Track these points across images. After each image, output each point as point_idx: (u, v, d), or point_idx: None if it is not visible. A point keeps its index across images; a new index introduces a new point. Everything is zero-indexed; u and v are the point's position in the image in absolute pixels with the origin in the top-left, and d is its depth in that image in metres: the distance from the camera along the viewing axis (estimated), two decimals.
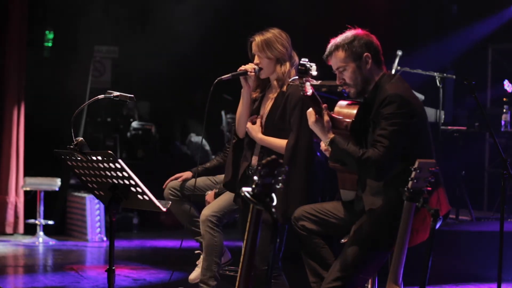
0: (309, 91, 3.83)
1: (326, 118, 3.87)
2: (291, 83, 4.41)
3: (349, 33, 3.97)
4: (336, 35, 4.00)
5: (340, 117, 3.99)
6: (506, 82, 7.61)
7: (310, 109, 3.90)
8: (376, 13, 9.18)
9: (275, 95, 4.45)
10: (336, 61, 3.96)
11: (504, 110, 7.44)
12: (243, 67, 4.51)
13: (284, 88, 4.43)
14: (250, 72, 4.49)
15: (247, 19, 9.57)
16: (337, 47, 3.95)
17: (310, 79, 3.82)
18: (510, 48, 9.41)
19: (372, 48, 3.95)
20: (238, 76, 4.51)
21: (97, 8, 9.21)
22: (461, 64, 9.56)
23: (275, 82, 4.48)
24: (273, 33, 4.51)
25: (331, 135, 3.86)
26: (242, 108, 4.59)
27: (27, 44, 8.95)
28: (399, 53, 7.38)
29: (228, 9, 9.90)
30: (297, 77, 3.89)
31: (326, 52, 3.99)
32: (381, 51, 3.99)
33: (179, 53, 10.25)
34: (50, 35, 9.55)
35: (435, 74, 7.23)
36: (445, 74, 7.33)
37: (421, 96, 7.16)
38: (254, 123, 4.49)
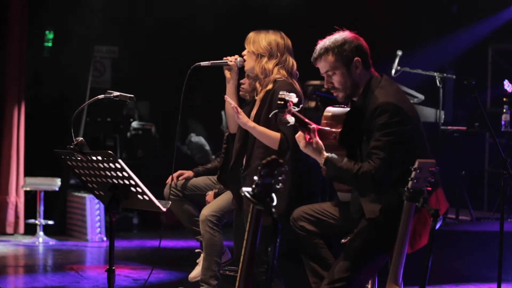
0: (292, 120, 3.80)
1: (316, 139, 3.81)
2: (277, 79, 4.41)
3: (338, 36, 3.92)
4: (325, 39, 3.96)
5: (327, 128, 3.98)
6: (506, 82, 7.60)
7: (299, 133, 3.86)
8: (376, 13, 9.18)
9: (261, 95, 4.46)
10: (325, 64, 3.91)
11: (504, 110, 7.43)
12: (225, 58, 4.57)
13: (270, 86, 4.42)
14: (230, 61, 4.54)
15: (249, 19, 9.57)
16: (326, 50, 3.88)
17: (291, 108, 3.79)
18: (510, 48, 9.40)
19: (362, 52, 3.90)
20: (218, 65, 4.55)
21: (97, 8, 9.21)
22: (461, 64, 9.55)
23: (257, 84, 4.49)
24: (266, 32, 4.54)
25: (325, 155, 3.80)
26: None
27: (27, 44, 8.95)
28: (399, 53, 7.38)
29: (229, 11, 9.90)
30: (276, 111, 3.87)
31: (315, 55, 3.93)
32: (369, 54, 3.95)
33: (179, 53, 10.25)
34: (50, 35, 9.54)
35: (435, 74, 7.23)
36: (445, 74, 7.33)
37: (421, 96, 7.16)
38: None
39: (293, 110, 3.79)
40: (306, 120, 3.86)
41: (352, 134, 3.90)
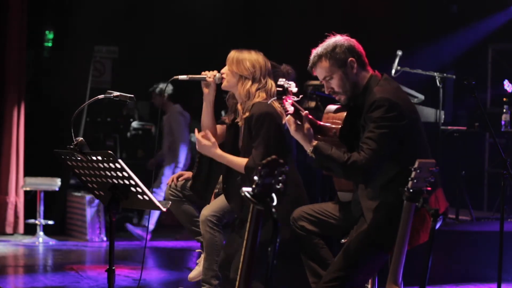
0: (291, 109, 3.81)
1: (306, 125, 3.82)
2: (255, 104, 4.42)
3: (329, 41, 3.94)
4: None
5: (328, 124, 3.98)
6: (506, 82, 7.60)
7: (289, 117, 3.86)
8: (376, 13, 9.18)
9: (241, 122, 4.51)
10: (321, 71, 3.93)
11: (504, 110, 7.43)
12: (204, 73, 4.56)
13: (247, 114, 4.45)
14: (209, 78, 4.54)
15: (249, 19, 9.58)
16: (319, 57, 3.92)
17: (290, 97, 3.81)
18: (510, 48, 9.40)
19: (355, 52, 3.92)
20: (196, 79, 4.56)
21: (96, 8, 9.21)
22: (461, 64, 9.55)
23: (239, 107, 4.51)
24: (249, 53, 4.54)
25: (314, 142, 3.80)
26: (203, 114, 4.70)
27: (27, 44, 8.95)
28: (399, 53, 7.37)
29: (229, 14, 9.90)
30: (275, 97, 3.89)
31: (310, 64, 3.96)
32: (364, 53, 3.96)
33: (179, 53, 10.25)
34: (50, 35, 9.54)
35: (435, 74, 7.22)
36: (445, 74, 7.33)
37: (421, 96, 7.16)
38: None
39: (293, 100, 3.80)
40: (300, 108, 3.88)
41: (351, 131, 3.91)
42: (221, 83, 4.62)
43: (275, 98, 3.88)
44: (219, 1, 10.11)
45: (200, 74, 4.63)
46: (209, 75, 4.57)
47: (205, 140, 4.50)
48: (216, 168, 4.77)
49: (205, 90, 4.63)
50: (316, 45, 3.99)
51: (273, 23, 9.61)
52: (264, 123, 4.36)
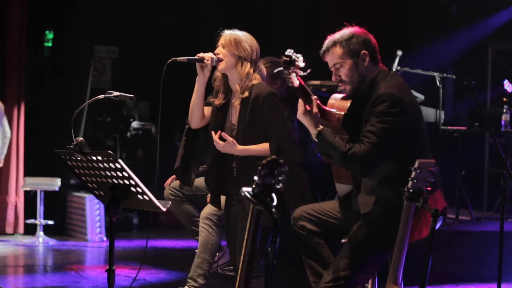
0: (296, 82, 3.80)
1: (315, 110, 3.85)
2: (254, 85, 4.39)
3: (346, 31, 3.96)
4: (334, 33, 4.00)
5: (333, 110, 3.99)
6: (506, 82, 7.60)
7: (300, 100, 3.87)
8: (376, 13, 9.18)
9: (239, 101, 4.43)
10: (333, 57, 3.93)
11: (504, 110, 7.44)
12: (201, 54, 4.52)
13: (246, 94, 4.40)
14: (207, 60, 4.49)
15: (250, 20, 9.55)
16: (334, 43, 3.92)
17: (296, 70, 3.79)
18: (510, 48, 9.41)
19: (369, 46, 3.93)
20: (194, 61, 4.53)
21: (96, 8, 9.21)
22: (461, 64, 9.56)
23: (237, 86, 4.45)
24: (244, 34, 4.52)
25: (319, 127, 3.83)
26: (195, 96, 4.58)
27: (27, 44, 8.95)
28: (399, 53, 7.37)
29: (230, 14, 9.89)
30: (281, 68, 3.84)
31: (323, 48, 3.96)
32: (378, 49, 3.97)
33: (179, 53, 10.24)
34: (50, 35, 9.54)
35: (435, 74, 7.23)
36: (445, 74, 7.33)
37: (421, 96, 7.16)
38: (222, 139, 4.39)
39: (299, 74, 3.79)
40: (309, 90, 3.88)
41: (354, 119, 3.91)
42: (215, 66, 4.58)
43: (280, 68, 3.82)
44: (220, 0, 10.11)
45: (195, 56, 4.60)
46: (207, 57, 4.53)
47: (221, 141, 4.41)
48: (196, 152, 4.74)
49: (200, 73, 4.57)
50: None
51: (269, 23, 9.62)
52: (272, 105, 4.33)
